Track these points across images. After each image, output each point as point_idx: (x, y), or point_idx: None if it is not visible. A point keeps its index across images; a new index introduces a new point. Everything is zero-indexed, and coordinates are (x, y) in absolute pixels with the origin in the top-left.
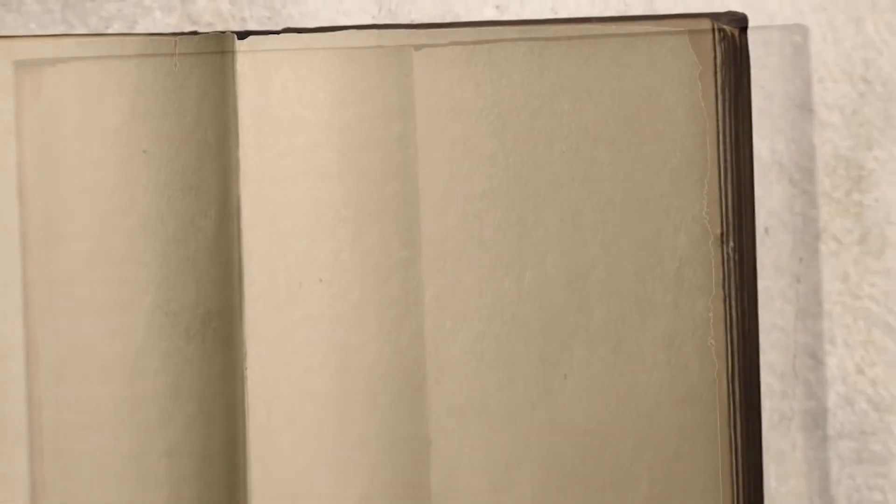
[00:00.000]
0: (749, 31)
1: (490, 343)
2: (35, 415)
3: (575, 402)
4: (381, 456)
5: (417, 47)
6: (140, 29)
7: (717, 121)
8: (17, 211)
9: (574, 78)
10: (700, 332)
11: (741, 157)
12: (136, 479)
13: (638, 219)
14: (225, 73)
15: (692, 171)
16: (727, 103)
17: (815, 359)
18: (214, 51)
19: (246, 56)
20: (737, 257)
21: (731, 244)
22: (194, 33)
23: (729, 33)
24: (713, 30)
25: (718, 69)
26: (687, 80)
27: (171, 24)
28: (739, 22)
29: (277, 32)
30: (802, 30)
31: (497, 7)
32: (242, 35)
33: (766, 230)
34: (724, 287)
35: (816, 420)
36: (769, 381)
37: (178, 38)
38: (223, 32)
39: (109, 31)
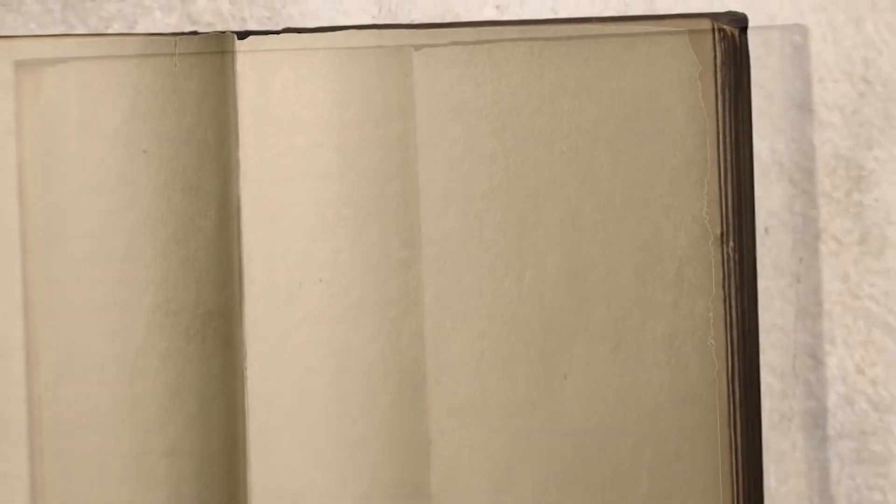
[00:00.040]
0: (749, 31)
1: (490, 343)
2: (35, 415)
3: (575, 402)
4: (382, 455)
5: (417, 47)
6: (140, 29)
7: (717, 121)
8: (17, 211)
9: (574, 78)
10: (700, 331)
11: (741, 157)
12: (136, 478)
13: (638, 219)
14: (225, 73)
15: (692, 171)
16: (727, 103)
17: (815, 359)
18: (214, 51)
19: (246, 56)
20: (737, 257)
21: (731, 244)
22: (194, 33)
23: (729, 33)
24: (713, 30)
25: (718, 69)
26: (687, 80)
27: (171, 24)
28: (739, 22)
29: (277, 32)
30: (802, 30)
31: (497, 7)
32: (242, 35)
33: (766, 230)
34: (724, 287)
35: (816, 420)
36: (769, 380)
37: (178, 38)
38: (223, 32)
39: (109, 31)
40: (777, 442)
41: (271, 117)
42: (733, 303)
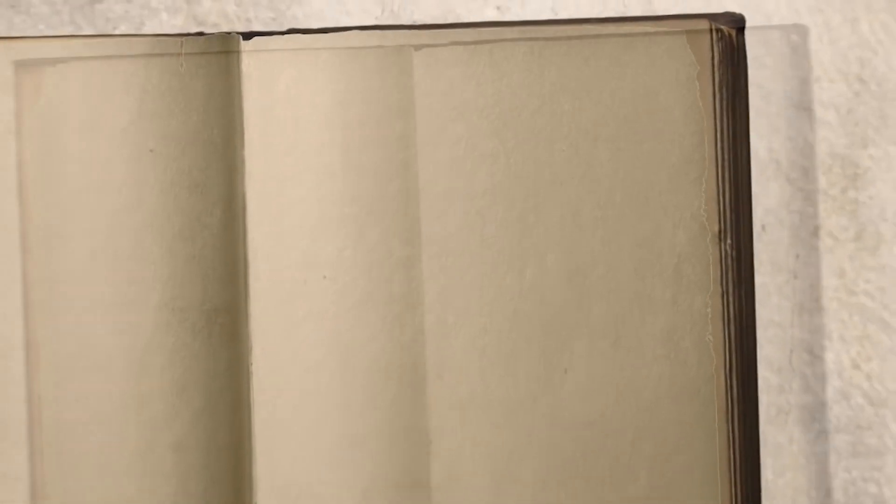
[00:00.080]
0: (746, 32)
1: (491, 339)
2: (35, 414)
3: (575, 397)
4: (384, 449)
5: (418, 47)
6: (147, 30)
7: (715, 120)
8: (17, 211)
9: (574, 78)
10: (698, 327)
11: (739, 155)
12: (142, 473)
13: (637, 216)
14: (230, 74)
15: (690, 170)
16: (725, 102)
17: (812, 354)
18: (220, 51)
19: (251, 56)
20: (734, 254)
21: (729, 241)
22: (200, 34)
23: (726, 33)
24: (711, 30)
25: (716, 69)
26: (685, 80)
27: (178, 25)
28: (737, 22)
29: (282, 33)
30: (799, 30)
31: (498, 8)
32: (247, 36)
33: (764, 227)
34: (722, 283)
35: (813, 414)
36: (766, 375)
37: (184, 38)
38: (228, 33)
39: (116, 33)
40: (774, 436)
41: (276, 117)
42: (731, 299)
